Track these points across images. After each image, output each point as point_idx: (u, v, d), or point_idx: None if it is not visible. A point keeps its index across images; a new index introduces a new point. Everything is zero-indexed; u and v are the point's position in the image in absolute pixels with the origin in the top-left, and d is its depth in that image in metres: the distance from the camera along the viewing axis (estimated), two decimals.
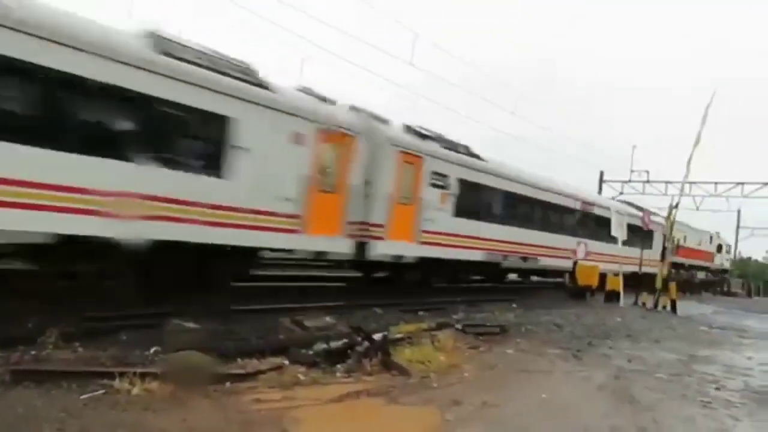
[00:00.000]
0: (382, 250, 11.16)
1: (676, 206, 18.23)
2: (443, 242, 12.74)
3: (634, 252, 19.75)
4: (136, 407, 4.15)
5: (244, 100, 8.40)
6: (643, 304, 16.89)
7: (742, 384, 7.13)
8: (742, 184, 31.55)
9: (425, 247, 12.22)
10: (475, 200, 13.80)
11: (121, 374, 4.63)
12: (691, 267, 32.56)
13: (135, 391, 4.47)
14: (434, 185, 12.40)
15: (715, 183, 32.26)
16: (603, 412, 5.29)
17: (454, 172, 12.93)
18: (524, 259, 16.02)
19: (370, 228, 10.84)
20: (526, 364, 7.01)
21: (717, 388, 6.73)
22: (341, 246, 10.31)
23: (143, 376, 4.70)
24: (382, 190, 11.04)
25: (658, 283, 16.98)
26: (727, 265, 41.46)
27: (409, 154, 11.72)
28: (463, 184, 13.19)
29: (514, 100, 43.65)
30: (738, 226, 50.88)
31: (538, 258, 16.57)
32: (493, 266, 14.98)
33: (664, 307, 16.54)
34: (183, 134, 7.97)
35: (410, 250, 11.93)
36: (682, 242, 30.22)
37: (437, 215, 12.48)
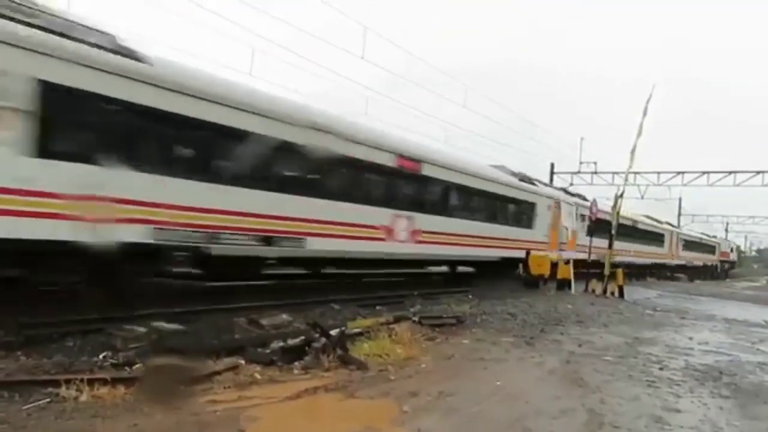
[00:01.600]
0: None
1: (621, 195, 18.95)
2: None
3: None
4: (84, 414, 4.02)
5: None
6: (593, 290, 17.51)
7: (684, 363, 7.50)
8: (682, 173, 33.19)
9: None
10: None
11: (68, 381, 4.47)
12: (724, 261, 56.69)
13: (83, 398, 4.34)
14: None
15: (658, 173, 33.84)
16: (554, 395, 5.47)
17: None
18: None
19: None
20: (481, 353, 7.16)
21: (660, 368, 7.06)
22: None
23: (91, 382, 4.56)
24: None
25: (607, 270, 17.64)
26: (735, 258, 65.76)
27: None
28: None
29: (465, 94, 44.27)
30: (680, 214, 53.60)
31: None
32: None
33: (612, 293, 17.20)
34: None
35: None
36: (722, 249, 55.28)
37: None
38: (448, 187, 14.11)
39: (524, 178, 18.84)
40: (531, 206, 18.56)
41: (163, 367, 4.95)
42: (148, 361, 5.23)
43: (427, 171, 13.21)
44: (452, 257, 14.85)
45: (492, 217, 16.42)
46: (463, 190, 14.80)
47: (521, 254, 17.63)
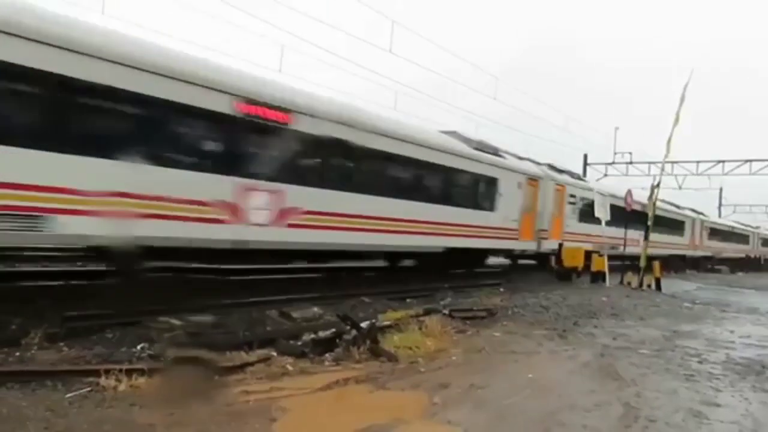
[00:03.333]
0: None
1: (658, 185, 18.40)
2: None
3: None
4: (123, 403, 4.16)
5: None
6: (629, 283, 17.11)
7: (724, 356, 7.27)
8: (723, 162, 32.15)
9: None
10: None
11: (107, 371, 4.63)
12: None
13: (121, 387, 4.48)
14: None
15: (697, 162, 32.87)
16: (588, 389, 5.38)
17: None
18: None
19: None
20: (512, 346, 7.09)
21: (699, 362, 6.86)
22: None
23: (130, 372, 4.70)
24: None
25: (643, 262, 17.20)
26: None
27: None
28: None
29: (495, 86, 43.63)
30: (720, 204, 51.82)
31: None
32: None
33: (649, 286, 16.77)
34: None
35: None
36: None
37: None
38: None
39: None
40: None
41: (185, 359, 5.06)
42: (172, 353, 5.33)
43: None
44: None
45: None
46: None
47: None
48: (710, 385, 5.75)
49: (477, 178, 14.54)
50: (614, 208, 19.82)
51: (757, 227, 52.35)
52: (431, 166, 12.70)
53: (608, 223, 19.42)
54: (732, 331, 9.52)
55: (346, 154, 10.66)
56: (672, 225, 29.02)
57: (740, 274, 35.97)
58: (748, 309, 13.54)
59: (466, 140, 14.60)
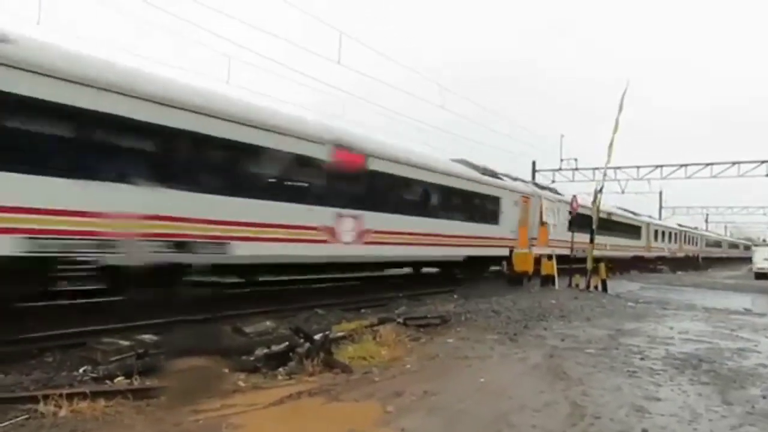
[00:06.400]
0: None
1: (600, 190, 19.15)
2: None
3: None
4: (63, 430, 3.97)
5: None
6: (576, 285, 17.68)
7: (664, 352, 7.62)
8: (661, 166, 33.73)
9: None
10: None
11: (46, 397, 4.41)
12: None
13: (62, 413, 4.28)
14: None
15: (637, 167, 34.36)
16: (537, 390, 5.53)
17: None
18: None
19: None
20: (465, 351, 7.20)
21: (641, 358, 7.16)
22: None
23: (71, 397, 4.50)
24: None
25: (589, 265, 17.82)
26: None
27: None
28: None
29: (442, 95, 44.40)
30: (660, 207, 54.46)
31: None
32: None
33: (596, 287, 17.39)
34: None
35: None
36: None
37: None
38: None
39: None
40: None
41: (188, 369, 5.04)
42: (172, 364, 5.26)
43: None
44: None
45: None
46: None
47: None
48: (651, 381, 6.02)
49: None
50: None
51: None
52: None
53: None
54: (671, 328, 9.98)
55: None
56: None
57: (680, 273, 37.73)
58: (687, 306, 14.24)
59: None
